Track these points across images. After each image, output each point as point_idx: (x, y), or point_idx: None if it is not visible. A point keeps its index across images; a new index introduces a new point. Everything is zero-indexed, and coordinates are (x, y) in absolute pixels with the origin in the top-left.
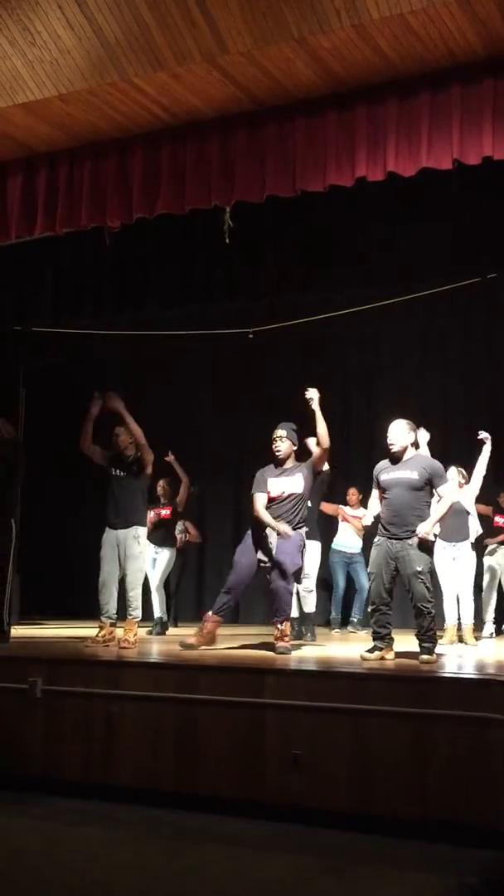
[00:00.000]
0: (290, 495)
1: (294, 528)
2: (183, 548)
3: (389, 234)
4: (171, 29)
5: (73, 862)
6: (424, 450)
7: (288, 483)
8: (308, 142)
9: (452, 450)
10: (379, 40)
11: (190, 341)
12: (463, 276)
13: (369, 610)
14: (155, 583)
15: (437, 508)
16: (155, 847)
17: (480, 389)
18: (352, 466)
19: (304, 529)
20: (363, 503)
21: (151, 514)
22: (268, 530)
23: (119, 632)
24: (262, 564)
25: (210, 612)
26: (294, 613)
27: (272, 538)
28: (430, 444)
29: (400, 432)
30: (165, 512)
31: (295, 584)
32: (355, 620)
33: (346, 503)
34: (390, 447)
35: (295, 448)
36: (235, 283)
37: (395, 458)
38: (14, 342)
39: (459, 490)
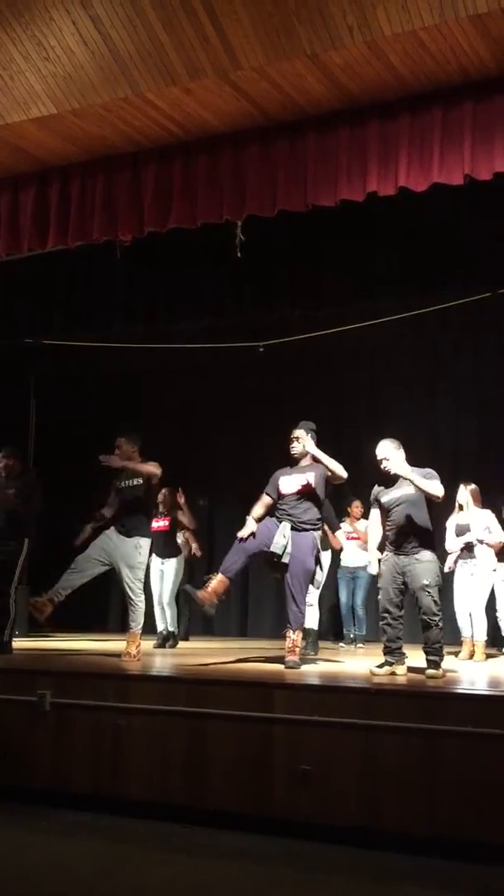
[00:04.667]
0: (300, 491)
1: (303, 529)
2: (188, 560)
3: (401, 249)
4: (183, 44)
5: (80, 876)
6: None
7: (299, 479)
8: (319, 157)
9: (462, 465)
10: (391, 56)
11: (200, 354)
12: (474, 290)
13: (379, 624)
14: (166, 596)
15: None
16: (163, 862)
17: (491, 404)
18: (363, 478)
19: (317, 533)
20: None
21: None
22: (282, 525)
23: (117, 645)
24: (274, 560)
25: (218, 572)
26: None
27: (286, 533)
28: (436, 460)
29: (390, 454)
30: (163, 524)
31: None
32: (351, 636)
33: (348, 514)
34: (386, 468)
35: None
36: (246, 296)
37: (391, 478)
38: (25, 354)
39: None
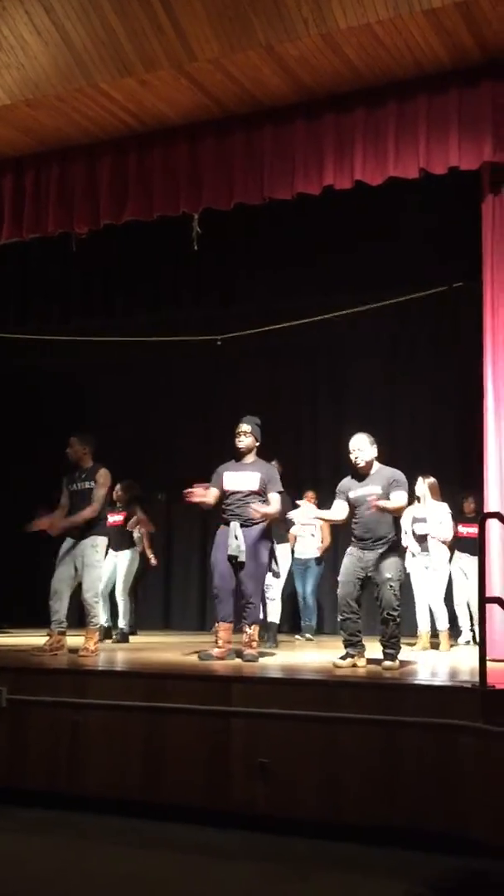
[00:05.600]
0: (247, 493)
1: (252, 524)
2: (143, 550)
3: (358, 242)
4: (138, 35)
5: (38, 873)
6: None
7: (245, 479)
8: (276, 150)
9: (420, 458)
10: (346, 49)
11: (158, 347)
12: (430, 284)
13: (339, 619)
14: (119, 589)
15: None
16: (121, 857)
17: (447, 398)
18: (319, 472)
19: (261, 527)
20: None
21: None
22: (231, 525)
23: (78, 640)
24: (231, 561)
25: (217, 623)
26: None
27: (237, 533)
28: (396, 453)
29: (364, 447)
30: (117, 518)
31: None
32: (303, 626)
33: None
34: (356, 463)
35: (258, 444)
36: (204, 289)
37: (361, 474)
38: None
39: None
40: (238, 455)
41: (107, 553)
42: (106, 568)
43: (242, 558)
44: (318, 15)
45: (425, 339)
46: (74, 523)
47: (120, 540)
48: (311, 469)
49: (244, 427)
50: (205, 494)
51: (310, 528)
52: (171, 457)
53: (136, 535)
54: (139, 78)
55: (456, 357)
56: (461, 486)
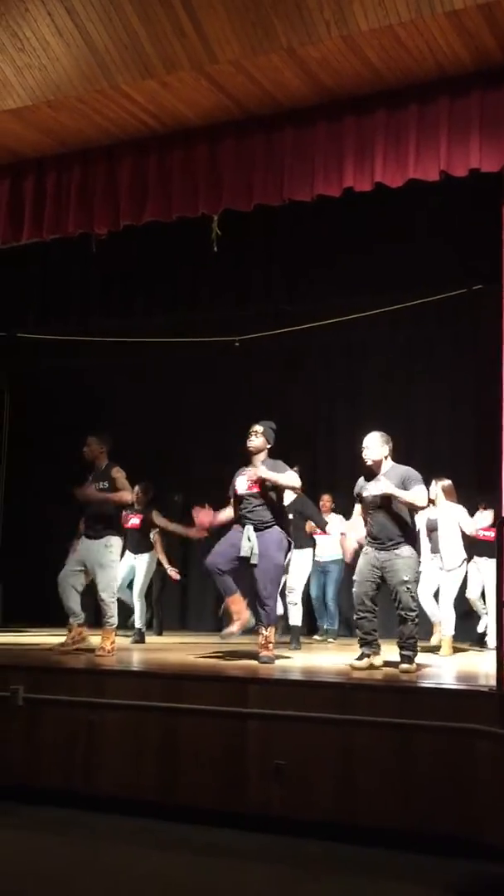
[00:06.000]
0: (250, 488)
1: (265, 527)
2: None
3: (376, 244)
4: (160, 37)
5: (51, 872)
6: None
7: (249, 477)
8: (296, 151)
9: (436, 461)
10: (367, 51)
11: (176, 348)
12: (449, 287)
13: (355, 618)
14: (136, 589)
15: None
16: (136, 858)
17: (464, 401)
18: (335, 475)
19: (276, 528)
20: (338, 511)
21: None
22: (246, 528)
23: (94, 638)
24: (244, 562)
25: (226, 598)
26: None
27: (251, 535)
28: (412, 456)
29: (374, 445)
30: (135, 521)
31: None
32: (325, 628)
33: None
34: (365, 461)
35: (269, 446)
36: (222, 290)
37: (372, 472)
38: None
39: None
40: (248, 456)
41: (123, 554)
42: (122, 570)
43: (254, 560)
44: (340, 17)
45: (443, 342)
46: (111, 500)
47: (139, 542)
48: (327, 472)
49: (256, 428)
50: (211, 520)
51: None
52: (188, 458)
53: (152, 537)
54: (160, 80)
55: (474, 360)
56: (478, 490)
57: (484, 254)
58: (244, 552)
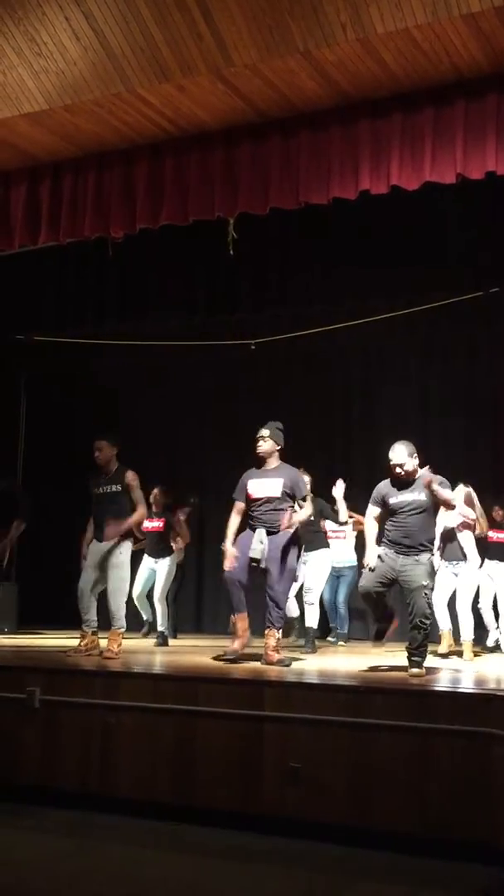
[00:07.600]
0: (270, 498)
1: (278, 531)
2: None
3: (392, 247)
4: (176, 41)
5: (68, 874)
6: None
7: (269, 486)
8: (312, 154)
9: (453, 465)
10: (384, 54)
11: (192, 352)
12: (465, 289)
13: (366, 604)
14: (157, 593)
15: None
16: (151, 860)
17: (482, 403)
18: (352, 477)
19: (287, 534)
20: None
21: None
22: (257, 532)
23: (103, 642)
24: (255, 566)
25: (233, 615)
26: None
27: (263, 538)
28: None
29: (405, 456)
30: (156, 524)
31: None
32: (338, 630)
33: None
34: (397, 472)
35: (279, 447)
36: (238, 294)
37: (404, 482)
38: (15, 351)
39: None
40: (259, 461)
41: (142, 558)
42: (142, 574)
43: (264, 564)
44: (356, 20)
45: (460, 345)
46: (128, 528)
47: (159, 546)
48: (343, 475)
49: (262, 432)
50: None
51: (341, 533)
52: (203, 461)
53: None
54: (177, 83)
55: (491, 363)
56: (495, 493)
57: (500, 256)
58: (254, 554)
